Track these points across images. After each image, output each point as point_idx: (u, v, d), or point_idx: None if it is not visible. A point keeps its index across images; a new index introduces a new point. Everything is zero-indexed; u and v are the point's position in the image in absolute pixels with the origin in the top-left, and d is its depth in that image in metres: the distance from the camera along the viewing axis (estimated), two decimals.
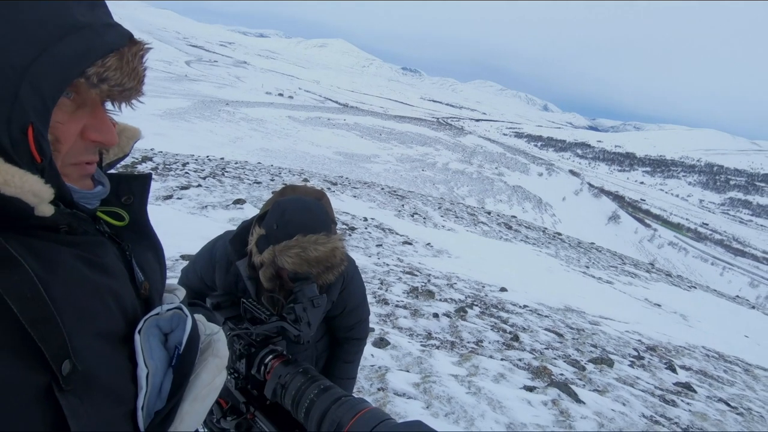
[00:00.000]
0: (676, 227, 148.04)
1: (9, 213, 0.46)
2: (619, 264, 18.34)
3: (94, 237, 0.58)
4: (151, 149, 16.17)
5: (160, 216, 6.73)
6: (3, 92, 0.43)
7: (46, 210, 0.48)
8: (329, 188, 15.13)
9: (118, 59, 0.51)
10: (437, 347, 4.13)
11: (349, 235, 9.22)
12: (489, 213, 23.12)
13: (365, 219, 11.47)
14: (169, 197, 8.26)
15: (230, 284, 1.27)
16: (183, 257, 4.74)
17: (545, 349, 4.78)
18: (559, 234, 23.21)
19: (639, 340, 6.47)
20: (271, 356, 0.97)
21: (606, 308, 8.45)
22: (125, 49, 0.53)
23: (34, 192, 0.46)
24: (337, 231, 1.21)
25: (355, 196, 15.14)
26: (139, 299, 0.62)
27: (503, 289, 7.49)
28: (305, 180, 16.11)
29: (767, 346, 9.70)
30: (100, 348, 0.51)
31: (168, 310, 0.63)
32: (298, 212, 1.11)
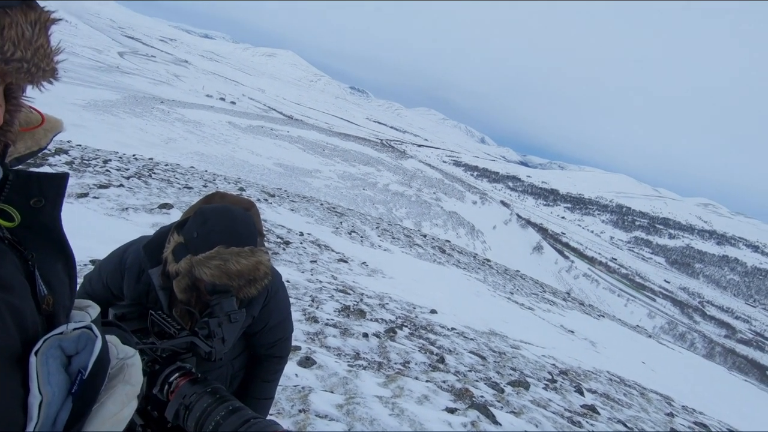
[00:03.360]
0: (590, 260, 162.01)
1: None
2: (540, 291, 19.58)
3: None
4: (68, 141, 14.68)
5: (72, 216, 6.07)
6: None
7: None
8: (267, 200, 14.68)
9: None
10: (364, 368, 4.09)
11: (284, 249, 8.96)
12: (425, 236, 23.71)
13: (301, 234, 11.24)
14: (84, 195, 7.52)
15: (140, 294, 1.16)
16: (93, 262, 4.31)
17: (468, 371, 4.92)
18: (489, 260, 24.38)
19: (553, 364, 6.89)
20: (177, 374, 0.89)
21: (526, 333, 8.94)
22: (13, 12, 0.45)
23: None
24: (264, 244, 1.16)
25: (292, 210, 14.81)
26: (40, 315, 0.54)
27: (433, 311, 7.65)
28: (241, 189, 15.51)
29: (660, 372, 10.80)
30: None
31: (74, 329, 0.56)
32: (222, 222, 1.05)
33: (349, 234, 14.65)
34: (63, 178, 0.60)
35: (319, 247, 10.54)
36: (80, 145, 14.20)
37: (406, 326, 6.04)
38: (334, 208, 21.00)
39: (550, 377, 5.93)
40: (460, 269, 16.34)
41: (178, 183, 11.98)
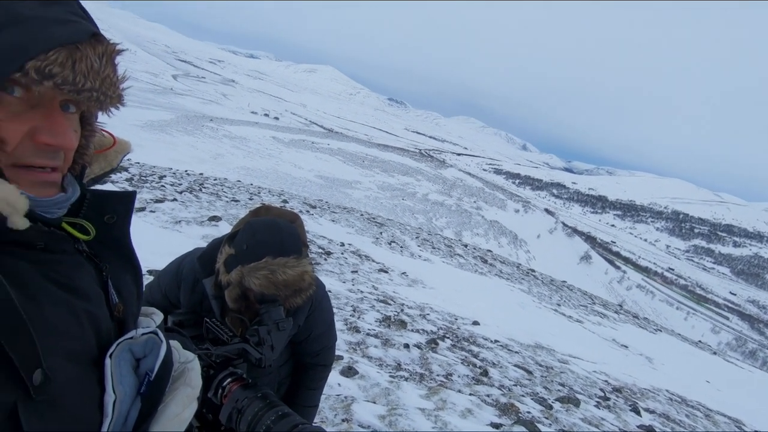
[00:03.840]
0: (644, 270, 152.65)
1: None
2: (589, 303, 18.68)
3: (72, 256, 0.56)
4: (128, 159, 15.81)
5: (131, 229, 6.52)
6: None
7: (18, 222, 0.46)
8: (308, 211, 15.05)
9: (66, 55, 0.47)
10: (406, 379, 4.06)
11: (325, 259, 9.13)
12: (466, 246, 23.36)
13: (342, 244, 11.40)
14: (142, 209, 8.04)
15: (195, 302, 1.24)
16: (150, 272, 4.59)
17: (514, 385, 4.76)
18: (533, 270, 23.59)
19: (606, 381, 6.53)
20: (229, 379, 0.94)
21: (575, 347, 8.54)
22: (83, 46, 0.49)
23: (8, 201, 0.44)
24: (309, 255, 1.20)
25: (333, 221, 15.08)
26: (113, 321, 0.60)
27: (476, 323, 7.49)
28: (284, 201, 16.00)
29: (727, 392, 9.93)
30: (70, 369, 0.49)
31: (143, 334, 0.61)
32: (270, 234, 1.10)
33: (389, 244, 14.70)
34: (132, 196, 0.65)
35: (360, 257, 10.65)
36: (138, 163, 15.25)
37: (448, 337, 5.96)
38: (374, 218, 21.17)
39: (602, 394, 5.62)
40: (503, 280, 15.92)
41: (226, 196, 12.55)
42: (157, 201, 9.00)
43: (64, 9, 0.49)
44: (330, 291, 6.66)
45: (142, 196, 9.18)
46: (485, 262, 19.06)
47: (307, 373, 1.42)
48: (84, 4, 0.55)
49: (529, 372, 5.49)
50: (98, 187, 0.64)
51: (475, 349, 5.78)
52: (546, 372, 5.84)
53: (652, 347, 12.53)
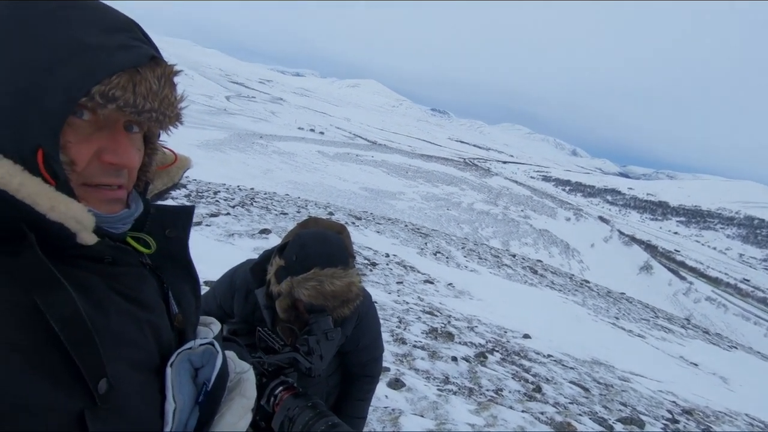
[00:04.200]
0: (714, 281, 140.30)
1: (54, 239, 0.47)
2: (651, 317, 17.42)
3: (136, 269, 0.59)
4: (186, 177, 16.86)
5: (189, 242, 6.92)
6: (13, 116, 0.44)
7: (87, 238, 0.49)
8: (353, 223, 15.26)
9: (127, 78, 0.50)
10: (454, 393, 3.97)
11: (371, 270, 9.19)
12: (514, 256, 22.65)
13: (387, 255, 11.43)
14: (199, 224, 8.51)
15: (248, 312, 1.29)
16: (206, 283, 4.83)
17: (570, 403, 4.51)
18: (587, 281, 22.40)
19: (673, 402, 6.02)
20: (281, 387, 0.97)
21: (637, 363, 7.97)
22: (143, 69, 0.51)
23: (77, 219, 0.47)
24: (356, 265, 1.22)
25: (378, 232, 15.18)
26: (173, 331, 0.62)
27: (526, 336, 7.21)
28: (330, 213, 16.33)
29: None
30: (134, 377, 0.52)
31: (200, 345, 0.63)
32: (318, 245, 1.13)
33: (435, 255, 14.56)
34: (191, 210, 0.69)
35: (405, 268, 10.62)
36: (195, 180, 16.22)
37: (497, 351, 5.77)
38: (418, 229, 21.09)
39: (670, 416, 5.18)
40: (555, 291, 15.24)
41: (275, 210, 13.02)
42: (212, 215, 9.51)
43: (126, 35, 0.52)
44: (376, 302, 6.67)
45: (198, 211, 9.73)
46: (535, 272, 18.36)
47: (355, 384, 1.43)
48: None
49: (586, 389, 5.18)
50: (161, 202, 0.68)
51: (527, 363, 5.55)
52: (605, 390, 5.48)
53: (726, 366, 11.42)
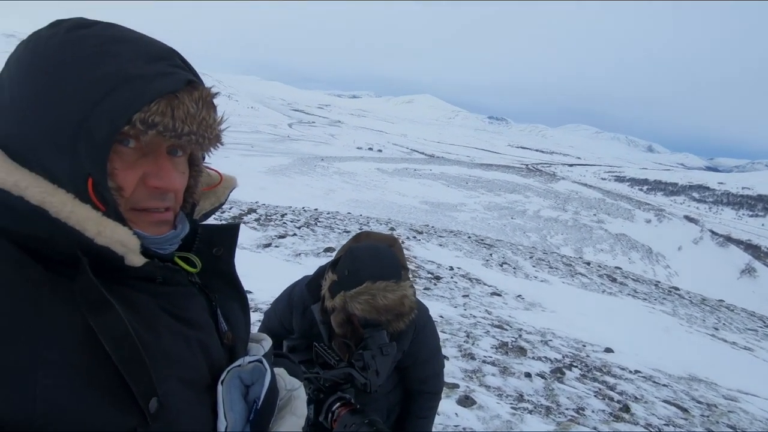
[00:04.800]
0: None
1: (106, 262, 0.49)
2: (760, 327, 15.27)
3: (186, 288, 0.61)
4: (256, 202, 17.95)
5: (259, 263, 7.30)
6: (64, 147, 0.47)
7: (134, 260, 0.51)
8: (415, 237, 15.21)
9: (166, 104, 0.51)
10: (530, 411, 3.73)
11: (435, 284, 9.05)
12: (588, 263, 21.15)
13: (451, 268, 11.22)
14: (268, 245, 8.97)
15: (305, 328, 1.31)
16: None
17: (665, 425, 4.05)
18: (677, 288, 20.25)
19: None
20: (338, 404, 0.96)
21: (745, 380, 6.99)
22: (180, 94, 0.53)
23: (122, 242, 0.49)
24: (410, 278, 1.19)
25: (440, 245, 14.98)
26: (223, 348, 0.63)
27: (608, 350, 6.64)
28: (392, 229, 16.44)
29: None
30: (185, 395, 0.52)
31: (249, 362, 0.63)
32: (369, 259, 1.12)
33: (501, 266, 14.03)
34: (236, 228, 0.70)
35: (470, 280, 10.33)
36: (264, 204, 17.20)
37: (576, 366, 5.36)
38: (482, 239, 20.52)
39: None
40: (639, 300, 13.96)
41: (338, 228, 13.37)
42: (281, 237, 9.98)
43: (165, 63, 0.55)
44: (441, 316, 6.55)
45: (268, 233, 10.27)
46: (614, 280, 16.99)
47: (416, 401, 1.38)
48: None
49: (684, 410, 4.63)
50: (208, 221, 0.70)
51: (611, 380, 5.09)
52: (708, 410, 4.86)
53: None
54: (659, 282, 22.34)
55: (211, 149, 0.61)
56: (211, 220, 0.71)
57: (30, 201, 0.46)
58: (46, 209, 0.46)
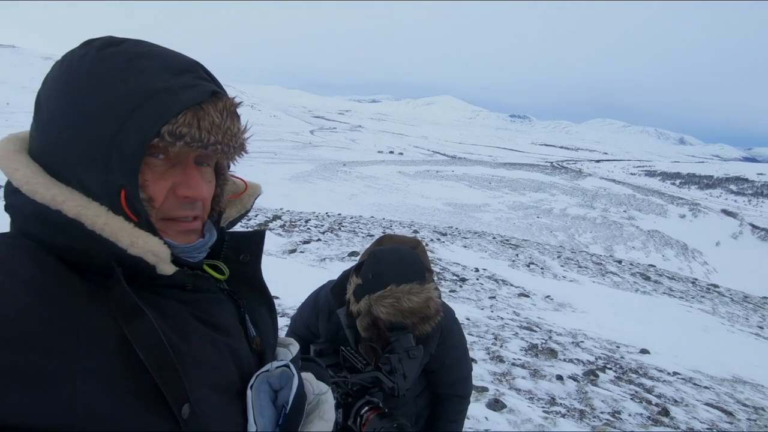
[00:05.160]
0: None
1: (139, 271, 0.51)
2: None
3: (215, 295, 0.62)
4: (280, 209, 18.26)
5: (285, 268, 7.41)
6: (98, 161, 0.49)
7: (166, 269, 0.52)
8: (439, 239, 15.12)
9: (192, 115, 0.53)
10: (563, 415, 3.63)
11: (460, 286, 8.96)
12: (620, 262, 20.47)
13: (476, 269, 11.08)
14: (294, 251, 9.09)
15: (332, 332, 1.31)
16: None
17: (708, 429, 3.87)
18: (716, 286, 19.34)
19: None
20: (367, 408, 0.96)
21: None
22: (206, 105, 0.54)
23: (154, 252, 0.50)
24: (434, 279, 1.19)
25: (465, 246, 14.82)
26: (252, 354, 0.64)
27: (644, 351, 6.40)
28: (415, 231, 16.38)
29: None
30: (216, 400, 0.53)
31: (277, 367, 0.64)
32: (392, 262, 1.12)
33: (528, 266, 13.76)
34: (262, 235, 0.71)
35: (497, 282, 10.18)
36: (289, 211, 17.45)
37: (610, 368, 5.19)
38: (507, 240, 20.19)
39: None
40: (675, 299, 13.41)
41: (362, 232, 13.43)
42: (305, 242, 10.10)
43: (190, 76, 0.56)
44: (468, 319, 6.47)
45: (293, 239, 10.41)
46: (648, 279, 16.38)
47: (445, 405, 1.36)
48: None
49: (729, 413, 4.40)
50: (235, 228, 0.71)
51: (648, 382, 4.90)
52: (755, 414, 4.61)
53: None
54: (696, 279, 21.42)
55: (236, 158, 0.62)
56: (237, 228, 0.72)
57: (67, 214, 0.48)
58: (81, 221, 0.48)
